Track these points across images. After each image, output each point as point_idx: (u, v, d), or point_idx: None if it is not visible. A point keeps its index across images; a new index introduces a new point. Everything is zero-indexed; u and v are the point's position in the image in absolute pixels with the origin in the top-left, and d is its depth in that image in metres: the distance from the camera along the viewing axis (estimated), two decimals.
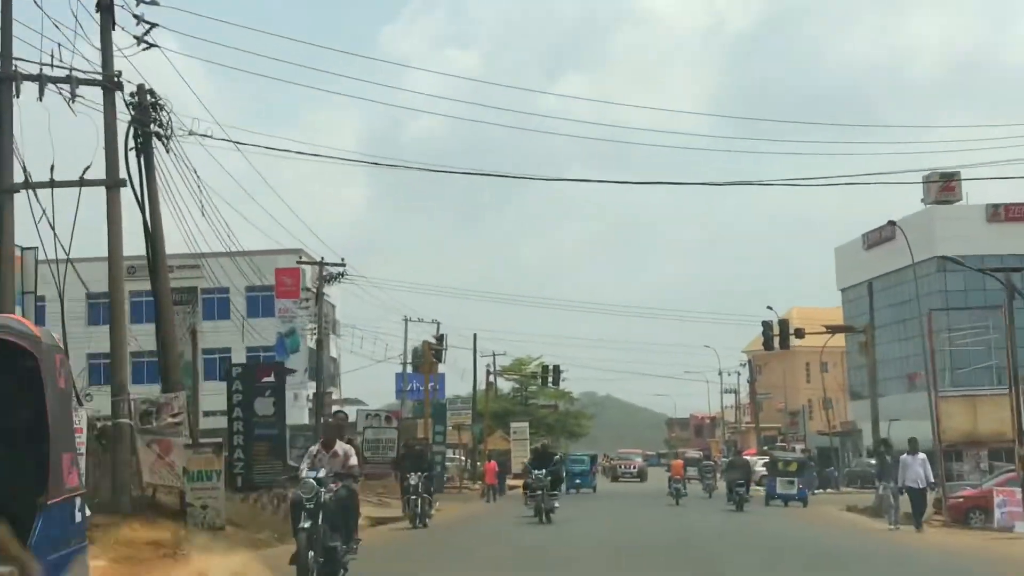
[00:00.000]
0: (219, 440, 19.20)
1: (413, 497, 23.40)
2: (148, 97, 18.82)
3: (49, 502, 6.82)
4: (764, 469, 49.05)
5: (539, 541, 20.50)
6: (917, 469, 21.54)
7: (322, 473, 12.19)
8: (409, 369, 56.64)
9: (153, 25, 18.76)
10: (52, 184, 17.37)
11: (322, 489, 11.94)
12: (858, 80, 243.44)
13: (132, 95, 18.75)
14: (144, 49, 18.58)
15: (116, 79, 18.06)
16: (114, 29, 18.27)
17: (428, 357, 40.10)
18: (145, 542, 15.71)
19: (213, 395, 43.23)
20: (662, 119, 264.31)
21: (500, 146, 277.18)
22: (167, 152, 18.96)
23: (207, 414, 37.99)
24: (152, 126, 18.88)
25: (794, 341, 41.44)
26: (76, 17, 17.38)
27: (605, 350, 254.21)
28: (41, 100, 17.23)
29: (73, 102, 17.38)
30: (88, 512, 8.40)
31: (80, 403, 14.03)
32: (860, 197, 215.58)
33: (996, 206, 63.68)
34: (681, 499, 35.81)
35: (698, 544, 19.81)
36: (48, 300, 21.04)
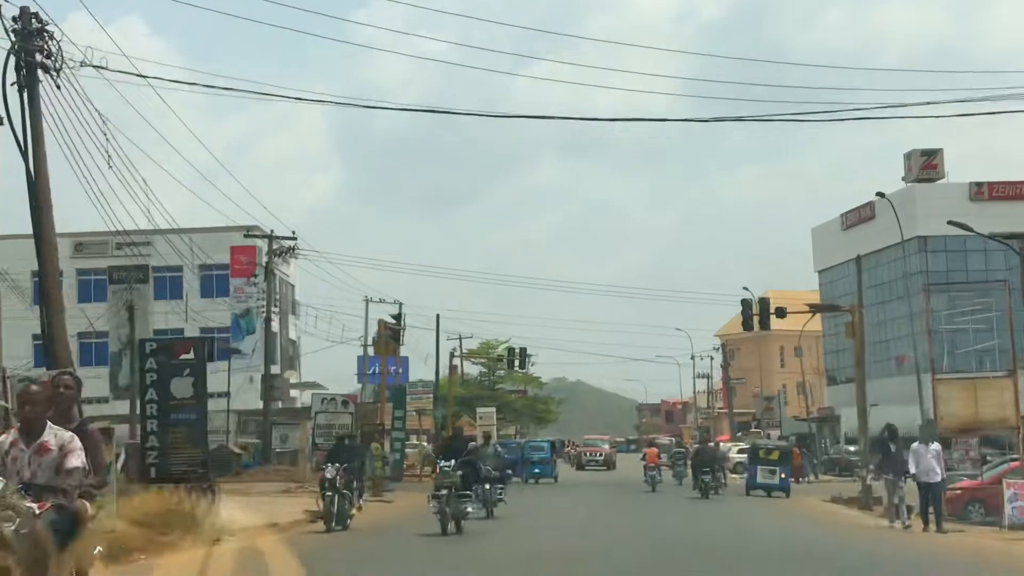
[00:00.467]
0: (106, 425, 16.33)
1: (329, 494, 19.39)
2: (33, 22, 15.94)
3: None
4: (742, 456, 47.18)
5: (467, 554, 16.09)
6: (931, 460, 18.88)
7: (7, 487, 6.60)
8: (372, 352, 54.08)
9: None
10: None
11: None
12: (829, 68, 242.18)
13: (15, 19, 15.89)
14: None
15: None
16: None
17: (383, 336, 37.33)
18: None
19: None
20: (634, 103, 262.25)
21: (472, 131, 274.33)
22: (58, 88, 16.04)
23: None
24: (38, 56, 16.00)
25: (775, 322, 38.98)
26: None
27: (576, 331, 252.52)
28: None
29: None
30: None
31: None
32: (838, 178, 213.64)
33: (979, 184, 61.67)
34: (657, 486, 35.39)
35: (676, 557, 16.09)
36: None
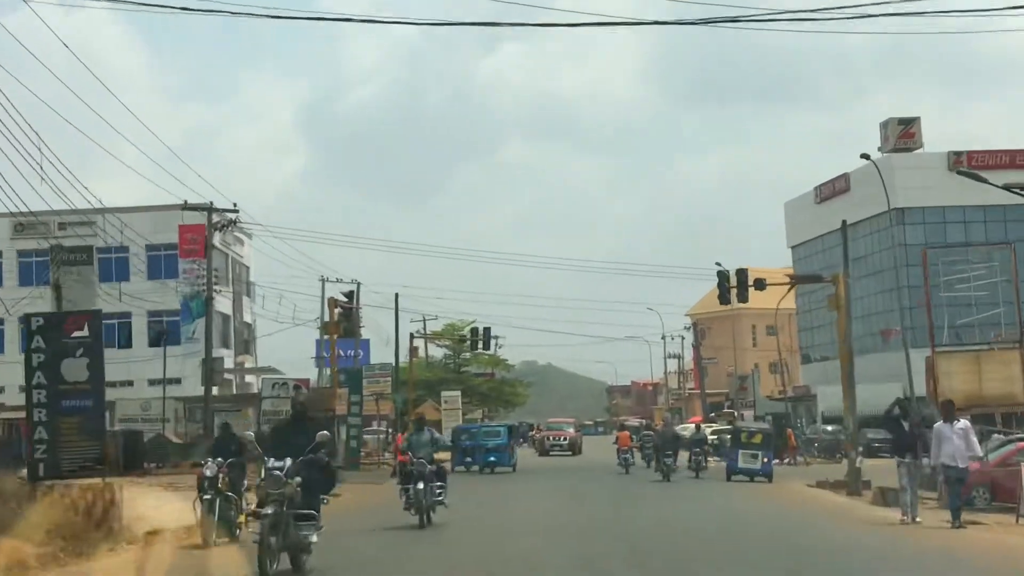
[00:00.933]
0: None
1: (207, 498, 15.11)
2: None
3: None
4: (715, 438, 45.04)
5: None
6: (956, 442, 16.22)
7: None
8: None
9: None
10: None
11: None
12: (799, 55, 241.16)
13: None
14: None
15: None
16: None
17: (332, 315, 34.50)
18: None
19: (114, 363, 37.88)
20: (601, 88, 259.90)
21: (440, 115, 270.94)
22: None
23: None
24: None
25: (748, 298, 36.45)
26: None
27: (546, 309, 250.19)
28: None
29: None
30: None
31: None
32: (810, 152, 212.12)
33: (959, 153, 59.52)
34: (631, 469, 35.22)
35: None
36: None
